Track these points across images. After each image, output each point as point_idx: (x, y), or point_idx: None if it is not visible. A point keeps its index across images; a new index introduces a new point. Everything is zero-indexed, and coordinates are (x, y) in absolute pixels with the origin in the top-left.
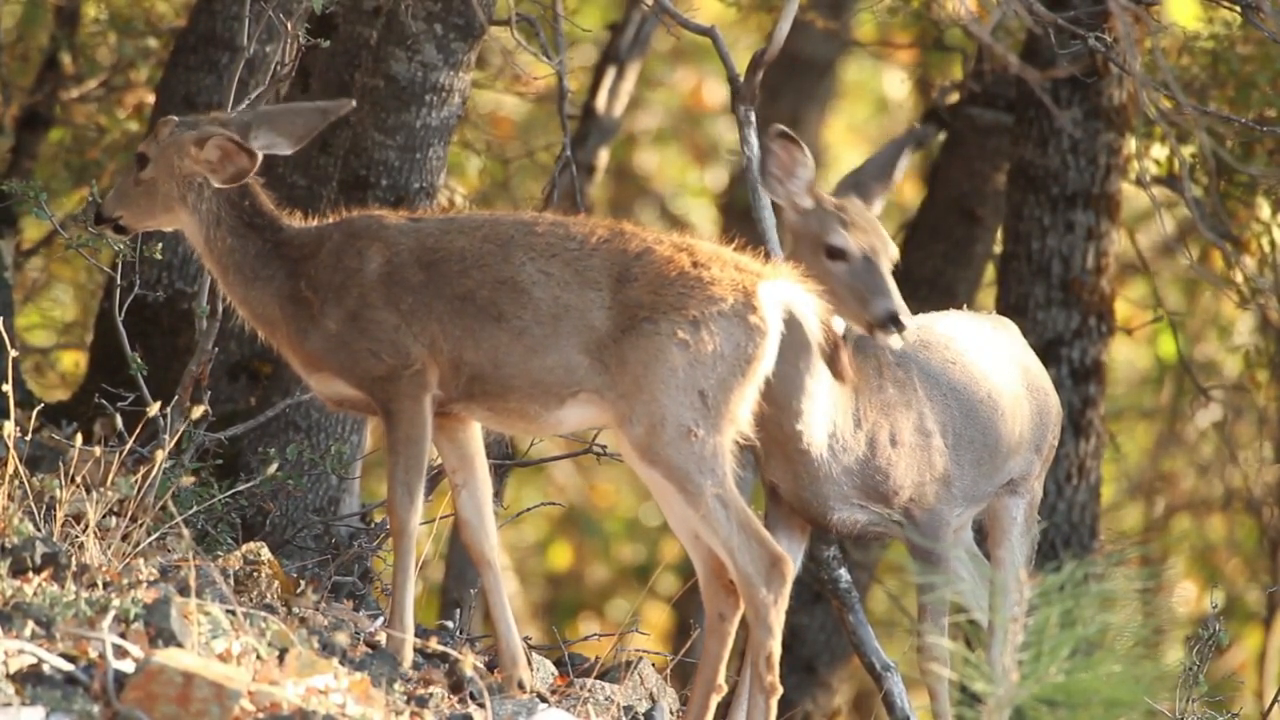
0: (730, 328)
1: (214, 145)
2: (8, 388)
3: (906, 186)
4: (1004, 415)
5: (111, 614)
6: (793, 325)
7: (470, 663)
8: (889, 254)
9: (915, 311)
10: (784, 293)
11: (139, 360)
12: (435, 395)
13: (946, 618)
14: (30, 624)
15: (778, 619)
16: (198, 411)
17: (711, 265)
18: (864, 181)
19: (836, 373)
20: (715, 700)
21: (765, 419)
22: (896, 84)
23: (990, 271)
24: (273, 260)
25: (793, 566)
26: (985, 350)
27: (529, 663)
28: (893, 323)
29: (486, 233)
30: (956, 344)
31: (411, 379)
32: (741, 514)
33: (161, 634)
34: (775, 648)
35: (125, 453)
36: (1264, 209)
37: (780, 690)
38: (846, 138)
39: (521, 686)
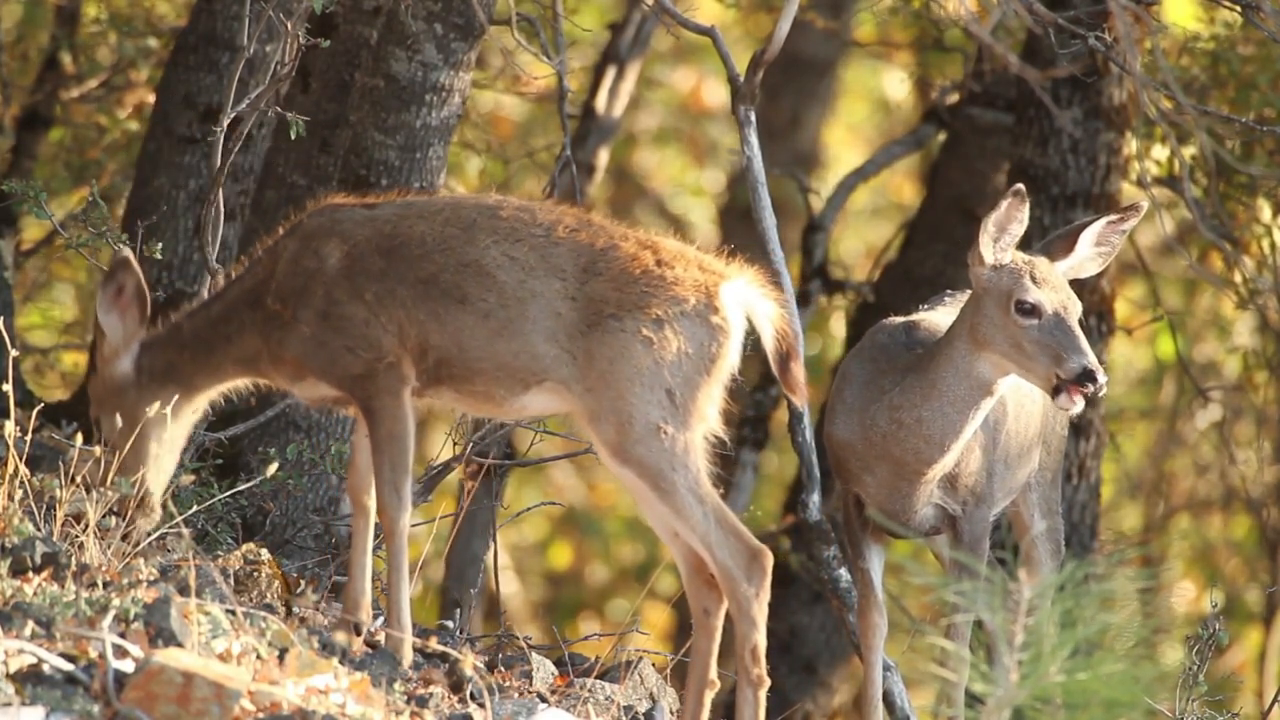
0: (693, 328)
1: (105, 330)
2: (8, 388)
3: (906, 186)
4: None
5: (111, 614)
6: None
7: (470, 663)
8: (1077, 312)
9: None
10: (744, 295)
11: None
12: (414, 388)
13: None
14: (30, 624)
15: (761, 611)
16: None
17: (675, 264)
18: (1050, 244)
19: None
20: (710, 695)
21: (890, 444)
22: (896, 84)
23: None
24: (230, 316)
25: (770, 558)
26: None
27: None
28: (1088, 379)
29: (448, 216)
30: None
31: (388, 373)
32: (717, 509)
33: (161, 634)
34: (760, 640)
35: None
36: (1264, 210)
37: (768, 682)
38: (846, 138)
39: (357, 631)
